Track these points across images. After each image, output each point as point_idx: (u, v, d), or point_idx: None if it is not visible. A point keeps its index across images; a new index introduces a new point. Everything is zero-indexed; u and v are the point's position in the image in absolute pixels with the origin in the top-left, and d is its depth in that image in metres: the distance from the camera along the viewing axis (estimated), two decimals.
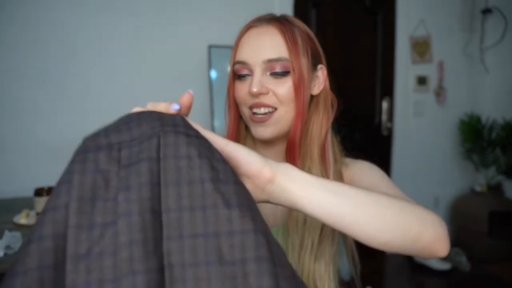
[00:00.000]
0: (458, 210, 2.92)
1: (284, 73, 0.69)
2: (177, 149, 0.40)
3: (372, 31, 2.74)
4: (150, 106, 0.47)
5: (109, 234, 0.35)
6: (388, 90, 2.82)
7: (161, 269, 0.35)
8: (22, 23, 1.89)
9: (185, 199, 0.38)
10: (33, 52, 1.92)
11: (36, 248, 0.35)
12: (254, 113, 0.71)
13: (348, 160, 0.79)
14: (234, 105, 0.75)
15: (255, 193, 0.47)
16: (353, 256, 0.78)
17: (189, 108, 0.50)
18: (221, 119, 2.11)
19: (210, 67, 2.13)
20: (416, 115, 2.90)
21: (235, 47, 0.73)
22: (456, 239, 2.86)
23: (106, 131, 0.42)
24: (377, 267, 2.70)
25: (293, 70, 0.68)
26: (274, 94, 0.69)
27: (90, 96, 2.03)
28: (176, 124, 0.42)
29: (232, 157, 0.46)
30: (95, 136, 0.41)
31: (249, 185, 0.47)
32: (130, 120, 0.43)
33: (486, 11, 2.90)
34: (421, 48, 2.83)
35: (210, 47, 2.09)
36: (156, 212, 0.37)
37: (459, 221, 2.88)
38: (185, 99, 0.49)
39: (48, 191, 1.50)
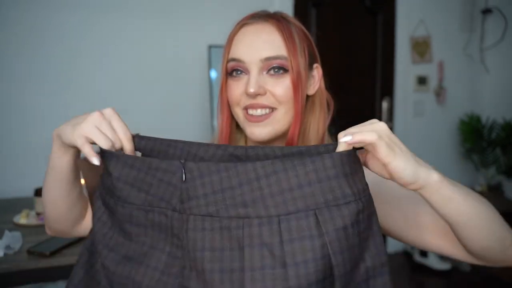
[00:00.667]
0: None
1: (282, 72, 0.67)
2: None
3: (372, 31, 2.74)
4: None
5: None
6: (388, 90, 2.82)
7: None
8: (23, 26, 1.89)
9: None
10: (34, 54, 1.92)
11: None
12: (250, 114, 0.68)
13: None
14: (226, 105, 0.73)
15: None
16: None
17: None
18: None
19: (210, 67, 2.13)
20: (416, 115, 2.90)
21: (228, 44, 0.70)
22: None
23: None
24: None
25: (292, 69, 0.66)
26: (272, 94, 0.67)
27: (90, 96, 2.02)
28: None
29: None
30: None
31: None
32: None
33: (486, 11, 2.90)
34: (421, 48, 2.83)
35: (210, 47, 2.09)
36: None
37: None
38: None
39: None
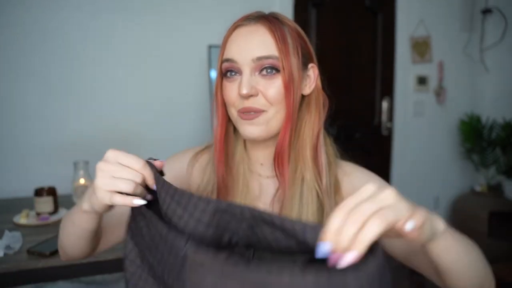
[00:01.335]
0: (458, 210, 2.92)
1: (274, 72, 0.67)
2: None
3: (372, 31, 2.74)
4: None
5: None
6: (388, 90, 2.82)
7: None
8: (23, 26, 1.89)
9: None
10: (34, 54, 1.92)
11: None
12: (243, 112, 0.69)
13: (349, 168, 0.76)
14: (222, 105, 0.73)
15: None
16: None
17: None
18: None
19: (210, 67, 2.12)
20: (416, 115, 2.90)
21: (222, 46, 0.71)
22: None
23: None
24: None
25: (283, 69, 0.66)
26: (263, 95, 0.67)
27: (90, 96, 2.03)
28: None
29: None
30: None
31: None
32: None
33: (486, 11, 2.90)
34: (421, 48, 2.83)
35: (210, 47, 2.08)
36: None
37: (459, 221, 2.88)
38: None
39: (48, 191, 1.50)
